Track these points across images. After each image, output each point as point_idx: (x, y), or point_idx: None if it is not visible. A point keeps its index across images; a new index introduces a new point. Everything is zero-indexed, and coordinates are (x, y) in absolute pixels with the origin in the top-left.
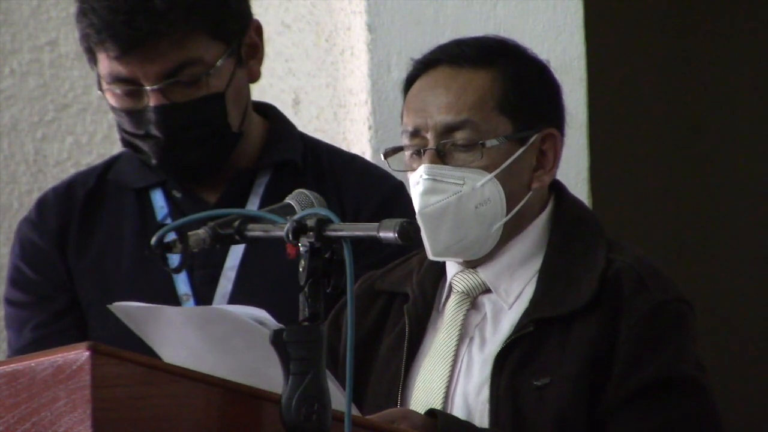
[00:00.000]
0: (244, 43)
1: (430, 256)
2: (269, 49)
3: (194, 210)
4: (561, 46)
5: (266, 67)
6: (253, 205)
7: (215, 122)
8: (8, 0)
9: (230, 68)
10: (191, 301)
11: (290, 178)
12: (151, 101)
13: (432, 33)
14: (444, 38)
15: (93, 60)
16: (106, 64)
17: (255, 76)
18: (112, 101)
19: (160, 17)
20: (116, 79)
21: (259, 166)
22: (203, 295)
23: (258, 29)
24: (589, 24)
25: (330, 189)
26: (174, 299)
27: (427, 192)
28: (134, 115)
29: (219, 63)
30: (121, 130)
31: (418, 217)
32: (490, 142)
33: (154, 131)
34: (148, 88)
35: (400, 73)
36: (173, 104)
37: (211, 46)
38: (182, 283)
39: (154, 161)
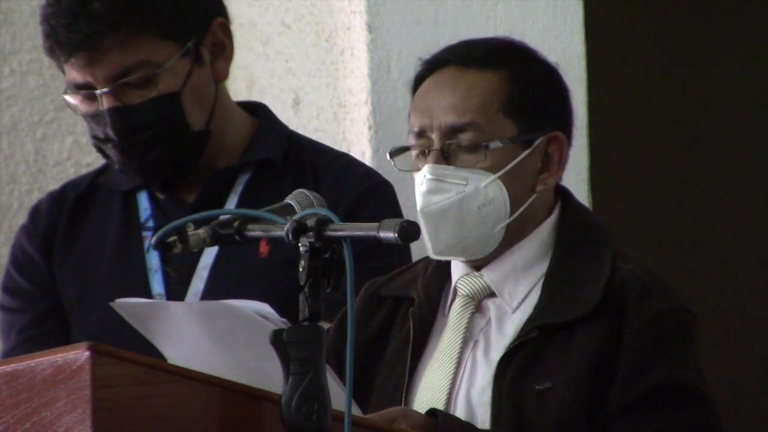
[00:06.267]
0: (207, 42)
1: (432, 255)
2: (269, 49)
3: (175, 211)
4: (561, 46)
5: (266, 67)
6: (231, 204)
7: (171, 122)
8: (8, 0)
9: (186, 68)
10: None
11: (270, 177)
12: (104, 104)
13: (432, 33)
14: (444, 38)
15: (61, 68)
16: (66, 70)
17: (222, 75)
18: (77, 106)
19: (99, 20)
20: (73, 85)
21: (240, 164)
22: (176, 294)
23: (223, 27)
24: (589, 24)
25: (309, 188)
26: (149, 299)
27: (430, 191)
28: (94, 119)
29: (169, 63)
30: (91, 136)
31: (419, 215)
32: (494, 144)
33: (110, 134)
34: (98, 91)
35: (400, 73)
36: (126, 106)
37: (160, 47)
38: (157, 283)
39: (116, 165)
